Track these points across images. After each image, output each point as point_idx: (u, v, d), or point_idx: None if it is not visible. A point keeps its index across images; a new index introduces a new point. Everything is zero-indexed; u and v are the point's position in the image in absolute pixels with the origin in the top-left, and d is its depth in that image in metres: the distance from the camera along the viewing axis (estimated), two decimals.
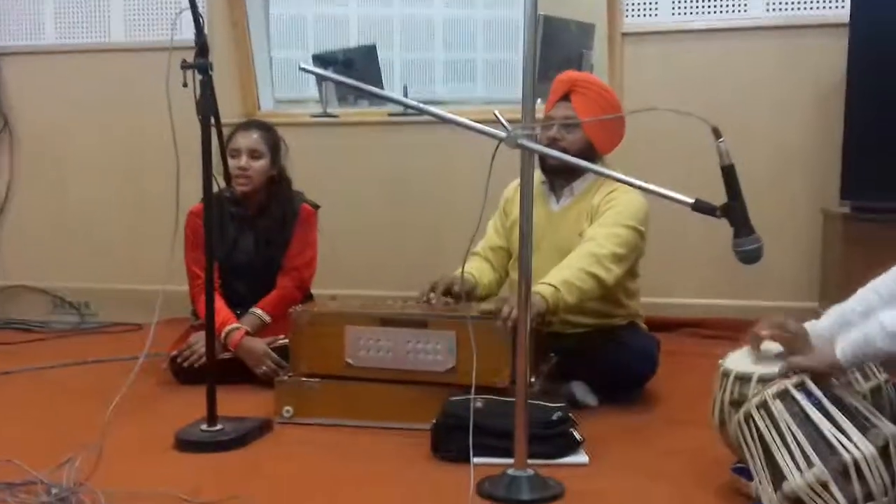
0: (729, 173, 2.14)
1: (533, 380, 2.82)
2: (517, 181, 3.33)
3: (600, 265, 3.01)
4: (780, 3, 4.36)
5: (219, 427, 2.84)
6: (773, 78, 4.39)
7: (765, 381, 2.19)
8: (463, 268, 2.74)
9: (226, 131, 3.15)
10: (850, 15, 3.91)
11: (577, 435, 2.69)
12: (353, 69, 5.00)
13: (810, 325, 2.33)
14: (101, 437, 2.39)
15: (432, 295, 3.10)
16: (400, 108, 4.79)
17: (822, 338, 2.27)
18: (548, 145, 3.09)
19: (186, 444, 2.79)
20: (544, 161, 3.23)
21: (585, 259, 3.02)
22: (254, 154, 3.62)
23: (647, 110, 2.44)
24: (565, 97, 3.25)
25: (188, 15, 2.74)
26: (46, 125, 5.08)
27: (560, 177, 3.31)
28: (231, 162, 3.50)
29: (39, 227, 5.13)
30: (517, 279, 2.42)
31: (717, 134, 2.11)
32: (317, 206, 3.79)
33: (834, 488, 1.93)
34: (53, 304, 5.09)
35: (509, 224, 3.39)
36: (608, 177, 2.38)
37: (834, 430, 1.98)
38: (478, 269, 3.34)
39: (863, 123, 3.86)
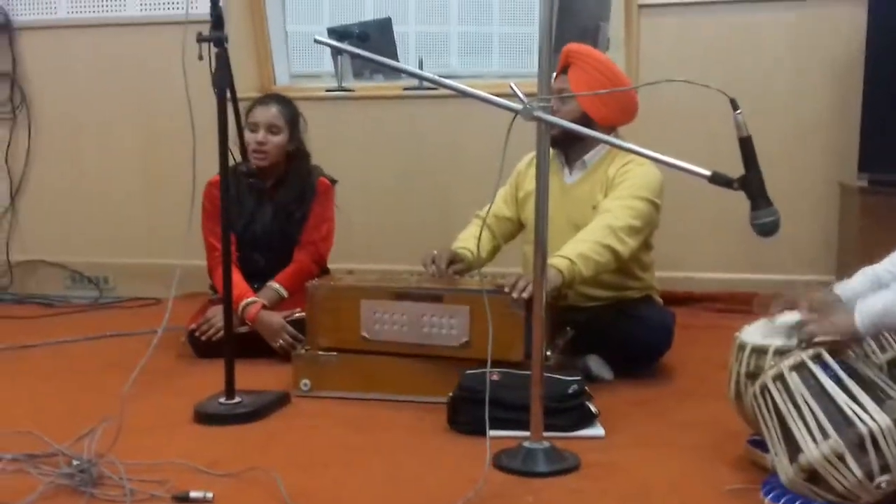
0: (746, 145, 2.13)
1: (548, 353, 2.83)
2: (531, 154, 3.37)
3: (616, 237, 3.01)
4: None
5: (237, 400, 2.87)
6: (792, 50, 4.36)
7: (781, 353, 2.19)
8: (479, 238, 2.73)
9: (241, 105, 3.15)
10: None
11: (592, 408, 2.70)
12: (369, 43, 4.98)
13: (843, 286, 2.32)
14: (121, 409, 2.40)
15: (433, 267, 3.14)
16: (415, 82, 4.78)
17: (857, 297, 2.25)
18: None
19: (205, 417, 2.81)
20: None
21: (601, 232, 3.01)
22: (272, 129, 3.62)
23: (664, 82, 2.44)
24: (564, 70, 3.25)
25: None
26: (63, 100, 5.09)
27: (566, 147, 3.31)
28: (248, 136, 3.51)
29: (57, 201, 5.15)
30: (532, 252, 2.43)
31: (734, 105, 2.10)
32: (334, 181, 3.80)
33: (850, 460, 1.93)
34: (72, 278, 5.12)
35: (522, 196, 3.39)
36: (621, 148, 2.37)
37: (850, 401, 1.98)
38: (476, 237, 3.35)
39: (881, 97, 3.84)
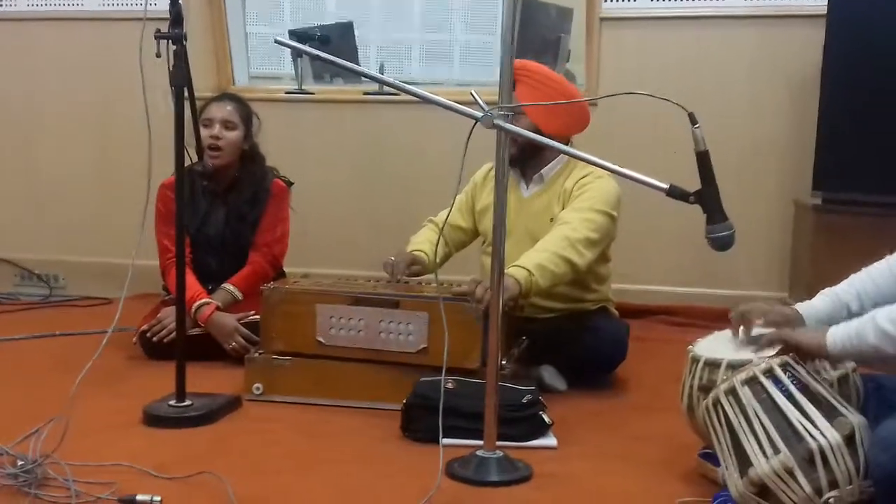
0: (703, 159, 2.14)
1: (504, 362, 2.83)
2: (486, 166, 3.37)
3: (574, 249, 3.01)
4: None
5: (187, 403, 2.83)
6: (749, 67, 4.40)
7: (734, 367, 2.21)
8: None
9: (198, 104, 3.12)
10: (828, 7, 3.91)
11: (546, 418, 2.70)
12: (330, 46, 4.96)
13: (803, 306, 2.34)
14: (68, 410, 2.36)
15: (395, 269, 3.13)
16: (375, 87, 4.77)
17: (818, 318, 2.29)
18: None
19: (154, 420, 2.78)
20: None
21: (559, 243, 3.02)
22: (227, 125, 3.60)
23: (624, 94, 2.43)
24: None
25: None
26: (17, 94, 5.01)
27: (523, 165, 3.30)
28: (203, 132, 3.48)
29: (8, 197, 5.07)
30: (490, 263, 2.42)
31: (692, 120, 2.11)
32: (290, 183, 3.77)
33: (799, 475, 1.95)
34: (22, 276, 5.03)
35: (479, 209, 3.40)
36: (581, 159, 2.36)
37: (801, 417, 2.00)
38: (430, 241, 3.34)
39: (836, 115, 3.88)
